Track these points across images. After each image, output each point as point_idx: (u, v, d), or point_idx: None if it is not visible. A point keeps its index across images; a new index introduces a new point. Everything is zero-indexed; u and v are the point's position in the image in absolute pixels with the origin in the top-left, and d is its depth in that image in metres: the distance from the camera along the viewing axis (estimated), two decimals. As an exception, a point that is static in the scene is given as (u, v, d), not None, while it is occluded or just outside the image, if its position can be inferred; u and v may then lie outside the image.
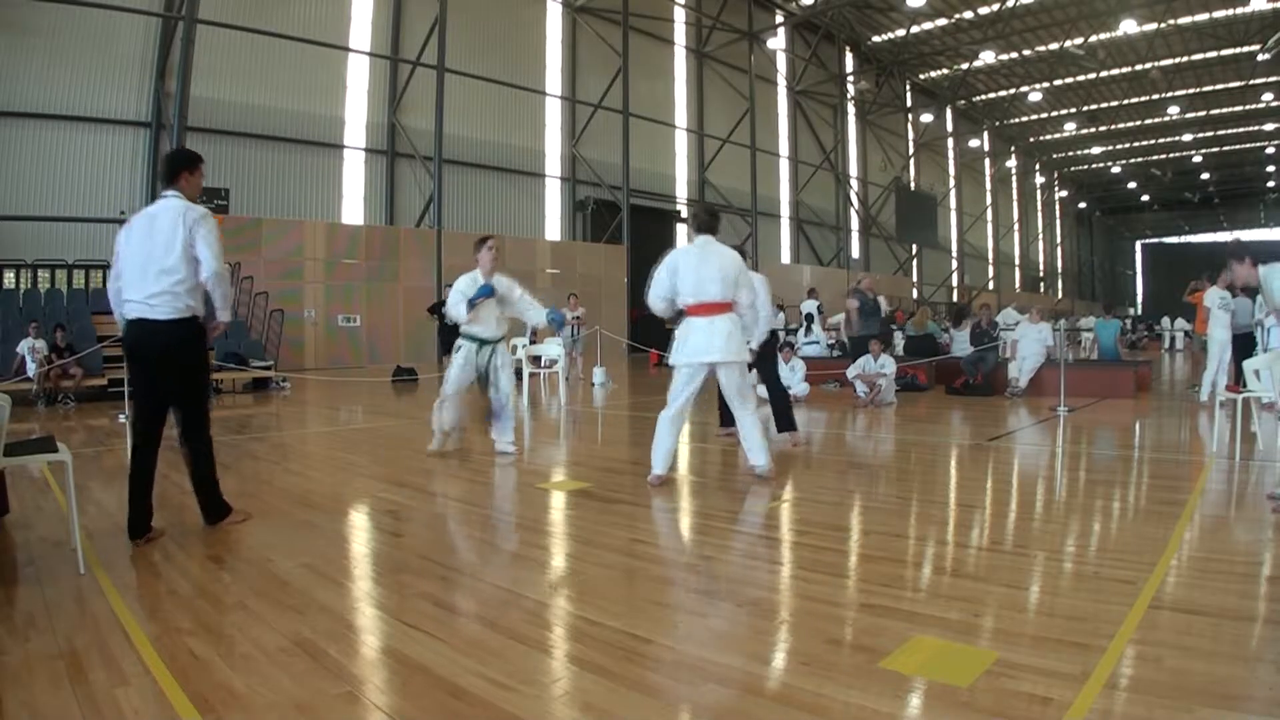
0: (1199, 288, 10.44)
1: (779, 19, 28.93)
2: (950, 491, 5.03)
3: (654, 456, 4.91)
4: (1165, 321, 27.86)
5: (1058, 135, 43.25)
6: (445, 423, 6.02)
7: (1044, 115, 40.04)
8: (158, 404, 3.78)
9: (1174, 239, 64.20)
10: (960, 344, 11.39)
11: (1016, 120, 41.69)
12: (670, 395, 4.92)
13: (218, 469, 4.05)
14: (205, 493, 3.95)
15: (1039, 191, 51.60)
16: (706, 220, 4.93)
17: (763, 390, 6.78)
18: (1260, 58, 26.96)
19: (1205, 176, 48.44)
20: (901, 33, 31.17)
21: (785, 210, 31.14)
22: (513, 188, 22.01)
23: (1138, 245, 68.58)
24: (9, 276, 13.46)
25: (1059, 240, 55.26)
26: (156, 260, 3.63)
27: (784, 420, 6.48)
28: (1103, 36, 28.87)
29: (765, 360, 6.58)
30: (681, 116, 26.82)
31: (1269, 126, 37.97)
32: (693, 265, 4.73)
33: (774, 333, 6.73)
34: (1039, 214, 52.09)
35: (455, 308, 5.73)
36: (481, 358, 5.84)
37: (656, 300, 4.86)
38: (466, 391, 6.04)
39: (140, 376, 3.80)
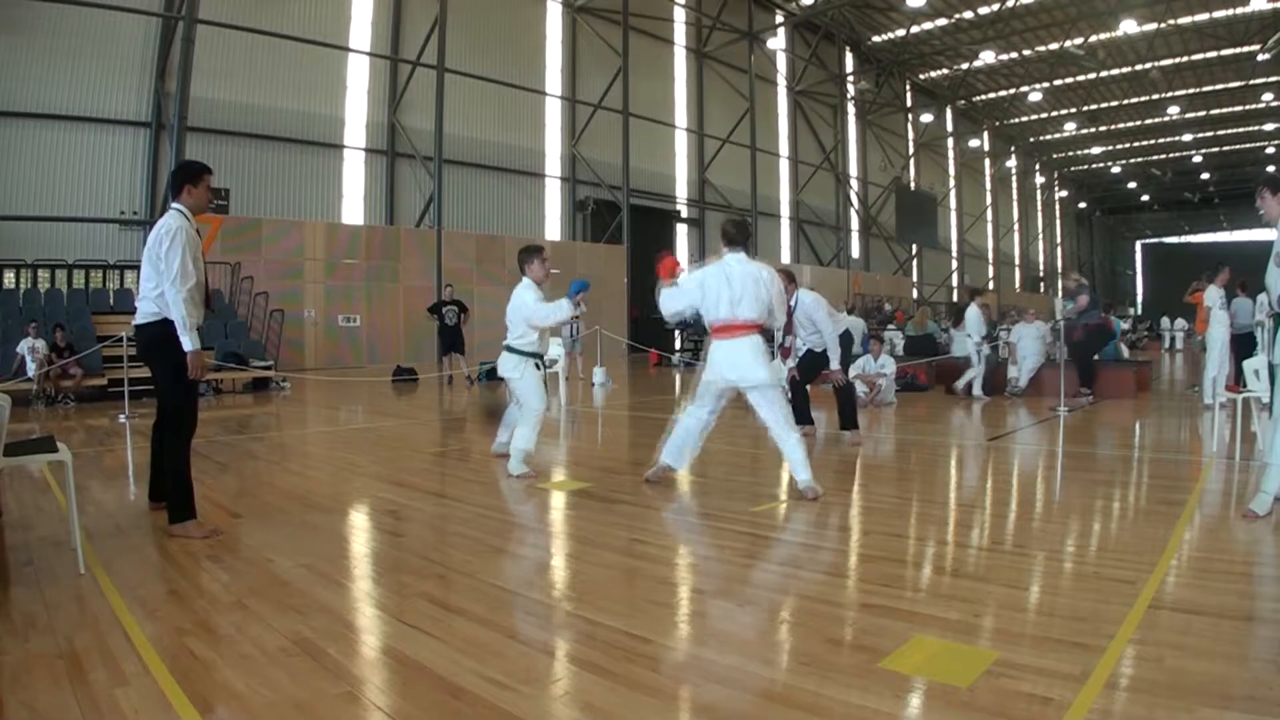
0: (1199, 288, 10.41)
1: (779, 19, 28.92)
2: (950, 491, 5.03)
3: (669, 452, 4.91)
4: (1165, 321, 27.87)
5: (1058, 135, 43.22)
6: (531, 442, 5.58)
7: (1044, 115, 40.02)
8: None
9: (1174, 239, 64.13)
10: (960, 344, 11.39)
11: (1016, 120, 41.66)
12: (700, 401, 4.89)
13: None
14: (171, 490, 3.89)
15: (1039, 191, 51.56)
16: (734, 234, 4.69)
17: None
18: (1260, 58, 26.94)
19: (1205, 176, 48.40)
20: (901, 33, 31.16)
21: (785, 210, 31.13)
22: (513, 188, 22.00)
23: (1138, 245, 68.52)
24: (9, 276, 13.45)
25: (1059, 240, 55.21)
26: (144, 270, 3.90)
27: (848, 419, 6.66)
28: (1103, 36, 28.85)
29: (824, 365, 6.64)
30: (681, 116, 26.80)
31: (1269, 126, 37.94)
32: (721, 284, 4.55)
33: (847, 331, 6.89)
34: (1039, 214, 52.06)
35: (547, 318, 5.40)
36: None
37: (673, 307, 4.73)
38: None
39: None
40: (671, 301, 4.71)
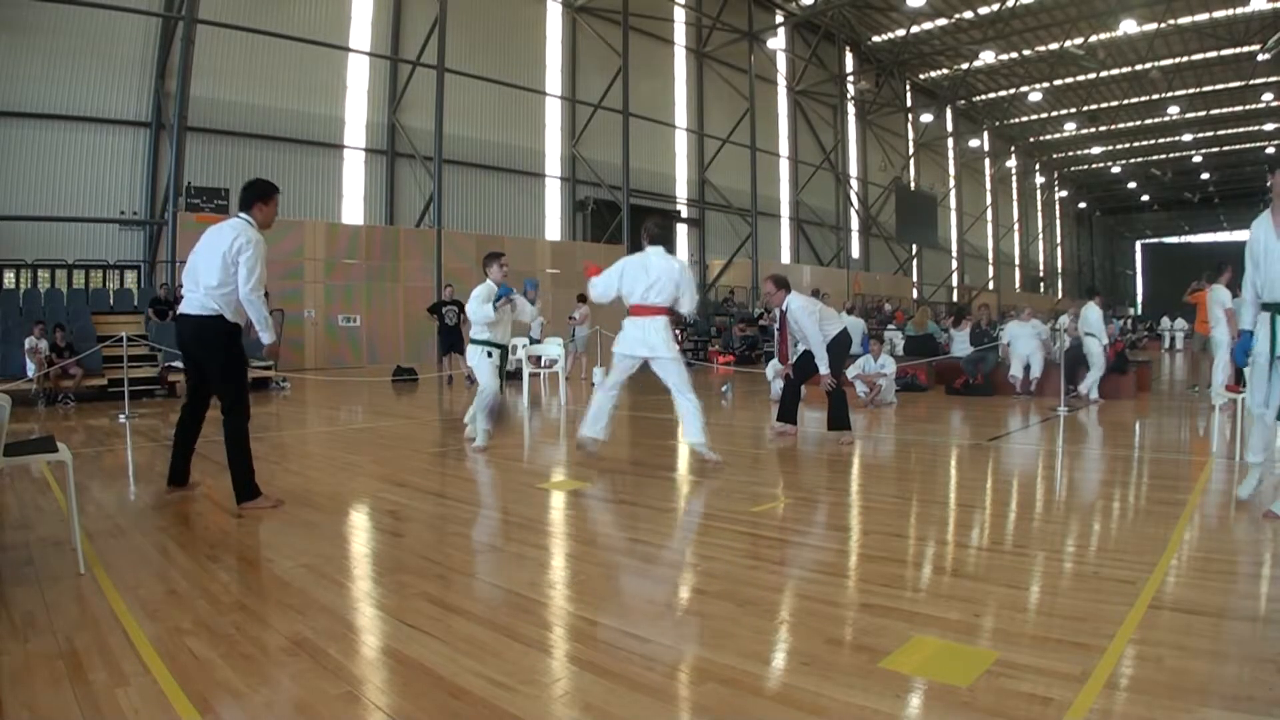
0: (1199, 288, 10.41)
1: (779, 19, 28.90)
2: (950, 491, 5.03)
3: (590, 426, 5.68)
4: (1165, 321, 27.87)
5: (1058, 135, 43.20)
6: (490, 423, 6.63)
7: (1044, 115, 40.01)
8: (196, 381, 4.57)
9: (1174, 239, 64.09)
10: (960, 344, 11.39)
11: (1016, 120, 41.64)
12: (609, 377, 5.78)
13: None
14: (234, 473, 4.31)
15: (1039, 191, 51.56)
16: (656, 232, 5.61)
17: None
18: (1260, 58, 26.93)
19: (1205, 176, 48.36)
20: (901, 33, 31.15)
21: (785, 210, 31.11)
22: (513, 188, 22.00)
23: (1138, 245, 68.48)
24: (9, 276, 13.45)
25: (1059, 240, 55.22)
26: (203, 268, 4.23)
27: (838, 419, 6.63)
28: (1103, 36, 28.84)
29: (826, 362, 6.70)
30: (681, 116, 26.80)
31: (1269, 126, 37.91)
32: (640, 272, 5.46)
33: (844, 331, 6.87)
34: (1039, 214, 52.05)
35: (479, 311, 6.33)
36: (498, 360, 6.53)
37: (601, 294, 5.64)
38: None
39: (183, 358, 4.62)
40: (600, 285, 5.62)
